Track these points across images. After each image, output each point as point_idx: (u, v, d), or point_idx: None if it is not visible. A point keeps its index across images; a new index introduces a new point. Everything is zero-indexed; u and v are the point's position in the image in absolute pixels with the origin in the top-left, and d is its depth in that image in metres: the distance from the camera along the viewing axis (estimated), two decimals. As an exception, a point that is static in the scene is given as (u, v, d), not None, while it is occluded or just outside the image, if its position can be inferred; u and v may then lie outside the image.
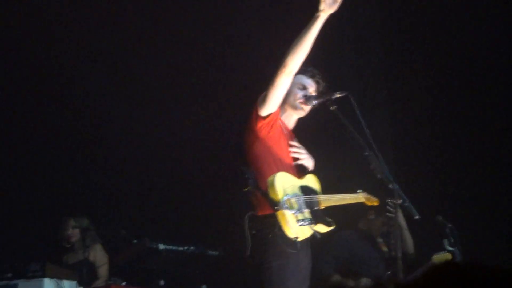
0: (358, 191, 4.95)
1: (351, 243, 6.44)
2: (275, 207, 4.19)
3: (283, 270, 4.27)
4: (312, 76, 4.72)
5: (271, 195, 4.22)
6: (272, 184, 4.24)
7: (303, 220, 4.25)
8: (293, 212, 4.23)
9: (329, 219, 4.49)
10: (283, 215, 4.19)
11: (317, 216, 4.40)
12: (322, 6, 4.24)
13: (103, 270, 7.21)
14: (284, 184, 4.29)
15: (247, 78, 6.61)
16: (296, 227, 4.22)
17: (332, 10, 4.25)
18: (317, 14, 4.27)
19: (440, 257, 6.25)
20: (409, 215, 4.47)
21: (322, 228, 4.43)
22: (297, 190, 4.36)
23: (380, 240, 6.64)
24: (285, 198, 4.23)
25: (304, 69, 4.64)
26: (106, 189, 8.20)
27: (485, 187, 7.70)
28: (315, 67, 4.76)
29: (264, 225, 4.29)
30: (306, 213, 4.32)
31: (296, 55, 4.32)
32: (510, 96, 7.69)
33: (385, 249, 6.58)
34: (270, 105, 4.43)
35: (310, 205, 4.38)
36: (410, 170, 7.66)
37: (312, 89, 4.69)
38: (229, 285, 7.12)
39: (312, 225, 4.29)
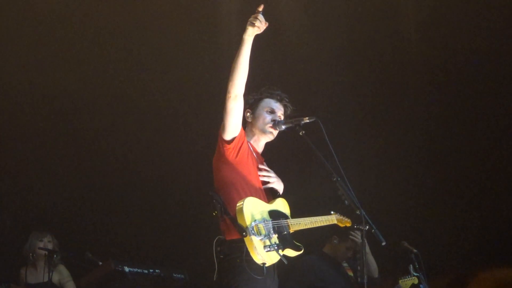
0: (331, 212, 4.95)
1: (317, 268, 6.43)
2: (243, 233, 4.19)
3: (250, 296, 4.25)
4: (280, 100, 4.77)
5: (239, 221, 4.22)
6: (240, 210, 4.23)
7: (270, 245, 4.24)
8: (261, 238, 4.22)
9: (298, 244, 4.50)
10: (251, 241, 4.18)
11: (286, 241, 4.40)
12: (250, 30, 4.32)
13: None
14: (253, 210, 4.29)
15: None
16: (264, 253, 4.21)
17: (258, 32, 4.35)
18: (245, 37, 4.33)
19: (407, 281, 6.30)
20: (376, 241, 4.49)
21: (290, 253, 4.44)
22: (265, 215, 4.36)
23: (345, 264, 6.65)
24: (253, 224, 4.22)
25: (272, 93, 4.70)
26: (71, 211, 8.11)
27: (451, 214, 7.77)
28: (283, 91, 4.80)
29: (232, 250, 4.28)
30: (274, 238, 4.31)
31: (235, 79, 4.34)
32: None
33: (350, 273, 6.60)
34: (230, 130, 4.43)
35: (278, 230, 4.38)
36: (376, 196, 7.69)
37: (280, 112, 4.73)
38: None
39: (280, 250, 4.29)
